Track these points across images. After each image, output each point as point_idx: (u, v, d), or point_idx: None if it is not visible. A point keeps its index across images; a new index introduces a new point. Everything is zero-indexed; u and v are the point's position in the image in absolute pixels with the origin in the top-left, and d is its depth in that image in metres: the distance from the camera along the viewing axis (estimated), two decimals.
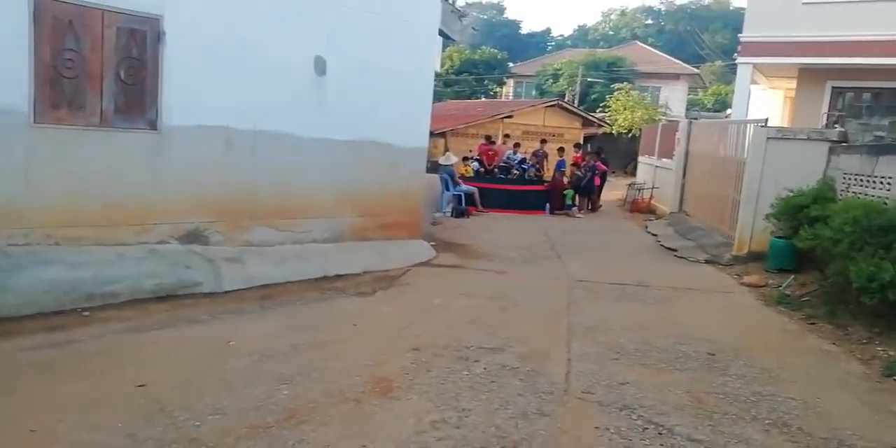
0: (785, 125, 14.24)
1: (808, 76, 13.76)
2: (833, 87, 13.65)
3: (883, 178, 6.52)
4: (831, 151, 8.06)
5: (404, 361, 4.40)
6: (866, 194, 6.79)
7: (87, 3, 5.46)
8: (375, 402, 3.70)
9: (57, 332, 4.56)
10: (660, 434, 3.47)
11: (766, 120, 9.31)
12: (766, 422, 3.69)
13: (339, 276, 6.87)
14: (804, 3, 12.45)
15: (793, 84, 14.77)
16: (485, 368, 4.33)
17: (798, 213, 7.49)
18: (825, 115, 13.26)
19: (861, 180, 7.03)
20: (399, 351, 4.62)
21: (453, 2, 9.35)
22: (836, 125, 9.82)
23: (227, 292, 5.93)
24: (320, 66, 7.08)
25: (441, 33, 8.59)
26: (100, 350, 4.32)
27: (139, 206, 5.94)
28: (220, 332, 4.86)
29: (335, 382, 3.95)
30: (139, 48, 5.86)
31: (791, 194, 7.81)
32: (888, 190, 6.35)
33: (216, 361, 4.21)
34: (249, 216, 6.72)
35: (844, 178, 7.49)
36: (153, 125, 6.00)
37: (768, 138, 8.48)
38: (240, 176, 6.61)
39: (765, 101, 17.11)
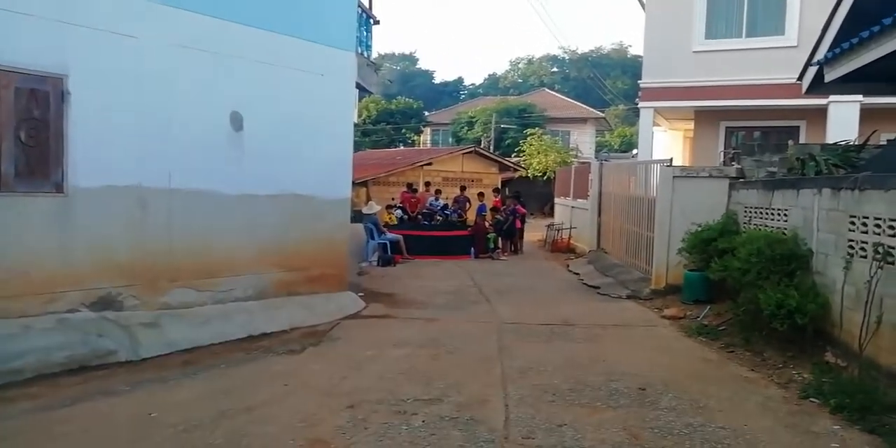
0: (686, 163, 15.16)
1: (704, 118, 14.78)
2: (726, 127, 14.69)
3: (779, 210, 7.01)
4: (732, 187, 8.63)
5: (340, 420, 4.26)
6: (766, 226, 7.26)
7: None
8: None
9: None
10: None
11: (671, 160, 9.90)
12: None
13: (265, 335, 6.66)
14: (694, 52, 13.49)
15: (690, 125, 15.81)
16: (423, 421, 4.26)
17: (707, 246, 7.91)
18: (721, 154, 14.20)
19: (761, 213, 7.53)
20: (333, 409, 4.48)
21: (368, 55, 9.54)
22: (732, 162, 10.54)
23: (145, 360, 5.64)
24: (237, 122, 7.01)
25: (358, 86, 8.71)
26: (7, 433, 3.97)
27: (46, 274, 5.58)
28: (141, 402, 4.57)
29: None
30: (41, 109, 5.63)
31: (699, 229, 8.26)
32: (786, 221, 6.82)
33: (138, 435, 3.94)
34: (167, 278, 6.43)
35: (746, 211, 8.00)
36: (59, 188, 5.72)
37: (674, 177, 9.00)
38: (155, 236, 6.35)
39: (667, 141, 18.19)
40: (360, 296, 8.66)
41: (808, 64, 7.99)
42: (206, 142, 6.76)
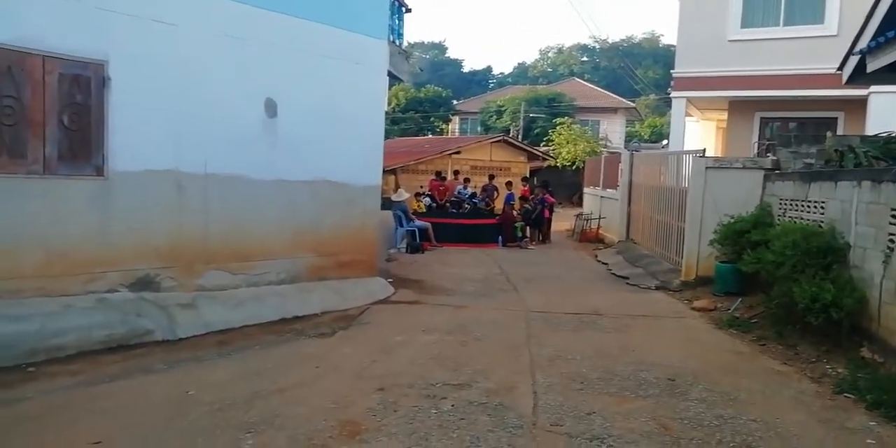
0: (719, 154, 14.92)
1: (738, 108, 14.51)
2: (761, 118, 14.41)
3: (816, 202, 6.87)
4: (766, 179, 8.48)
5: (370, 402, 4.33)
6: (802, 218, 7.13)
7: (26, 48, 5.34)
8: (344, 447, 3.62)
9: None
10: None
11: (704, 150, 9.76)
12: (731, 445, 3.77)
13: (297, 318, 6.76)
14: (730, 41, 13.21)
15: (724, 115, 15.54)
16: (452, 405, 4.30)
17: (740, 238, 7.81)
18: (755, 145, 13.95)
19: (796, 205, 7.39)
20: (364, 392, 4.55)
21: (400, 43, 9.55)
22: (767, 154, 10.33)
23: (181, 339, 5.78)
24: (271, 109, 7.09)
25: (389, 74, 8.73)
26: (48, 407, 4.11)
27: (86, 255, 5.74)
28: (178, 381, 4.70)
29: (301, 428, 3.86)
30: (83, 94, 5.75)
31: (732, 220, 8.14)
32: (822, 214, 6.69)
33: (175, 413, 4.05)
34: (202, 260, 6.56)
35: (780, 203, 7.87)
36: (99, 171, 5.86)
37: (707, 168, 8.87)
38: (191, 220, 6.48)
39: (698, 131, 17.89)
40: (389, 282, 8.73)
41: (849, 53, 7.78)
42: (240, 128, 6.85)
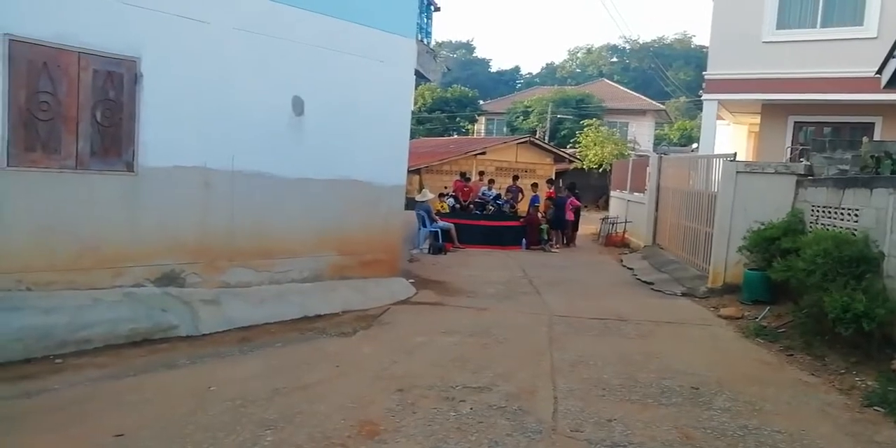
0: (750, 159, 14.65)
1: (771, 111, 14.23)
2: (795, 122, 14.10)
3: (850, 209, 6.71)
4: (799, 184, 8.30)
5: (389, 403, 4.33)
6: (835, 226, 6.97)
7: (62, 45, 5.46)
8: (362, 447, 3.62)
9: (28, 382, 4.42)
10: None
11: (735, 154, 9.58)
12: None
13: (319, 316, 6.79)
14: (764, 42, 12.96)
15: (756, 119, 15.24)
16: (471, 408, 4.28)
17: (770, 245, 7.65)
18: (788, 149, 13.67)
19: (829, 212, 7.22)
20: (383, 392, 4.55)
21: (428, 42, 9.55)
22: (800, 159, 10.12)
23: (204, 335, 5.83)
24: (298, 107, 7.14)
25: (417, 73, 8.74)
26: (74, 399, 4.18)
27: (114, 249, 5.84)
28: (200, 376, 4.75)
29: (320, 426, 3.87)
30: (116, 90, 5.85)
31: (762, 227, 7.99)
32: (856, 221, 6.53)
33: (197, 407, 4.09)
34: (227, 257, 6.64)
35: (813, 210, 7.69)
36: (130, 167, 5.96)
37: (737, 172, 8.71)
38: (217, 217, 6.56)
39: (730, 135, 17.60)
40: (411, 282, 8.73)
41: (889, 56, 7.61)
42: (267, 125, 6.92)
